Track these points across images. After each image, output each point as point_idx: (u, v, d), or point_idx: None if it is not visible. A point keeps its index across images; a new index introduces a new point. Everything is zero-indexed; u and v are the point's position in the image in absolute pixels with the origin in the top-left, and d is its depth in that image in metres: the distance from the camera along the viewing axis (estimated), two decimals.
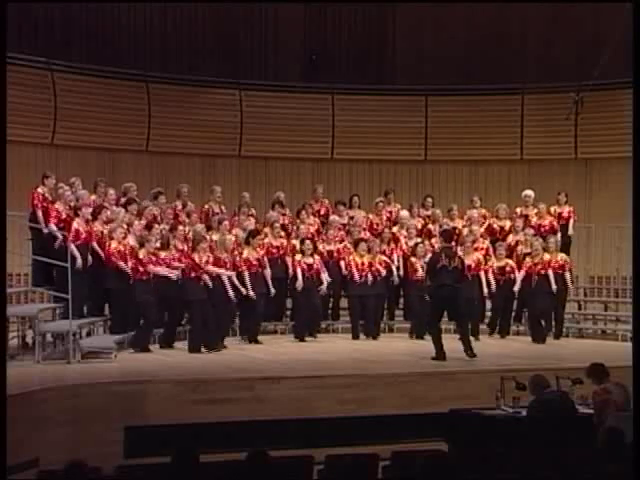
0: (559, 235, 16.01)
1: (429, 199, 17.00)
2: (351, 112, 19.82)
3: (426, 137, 19.97)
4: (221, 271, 13.56)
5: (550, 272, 14.98)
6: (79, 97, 18.01)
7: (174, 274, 13.30)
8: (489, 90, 19.64)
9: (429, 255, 14.60)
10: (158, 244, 13.47)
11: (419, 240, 15.63)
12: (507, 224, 16.23)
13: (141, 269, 13.07)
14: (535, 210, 16.35)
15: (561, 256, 15.24)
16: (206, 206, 15.74)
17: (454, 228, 15.66)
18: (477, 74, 19.53)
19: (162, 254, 13.36)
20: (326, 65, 20.18)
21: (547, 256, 15.05)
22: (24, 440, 9.07)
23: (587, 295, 17.72)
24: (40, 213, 13.46)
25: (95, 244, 13.37)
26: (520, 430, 9.02)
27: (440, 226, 15.93)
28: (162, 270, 13.23)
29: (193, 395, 10.54)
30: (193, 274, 13.27)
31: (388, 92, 20.05)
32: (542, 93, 19.33)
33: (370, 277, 15.08)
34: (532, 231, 15.76)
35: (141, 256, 13.11)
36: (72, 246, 12.77)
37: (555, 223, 16.22)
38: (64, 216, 13.46)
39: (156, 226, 13.83)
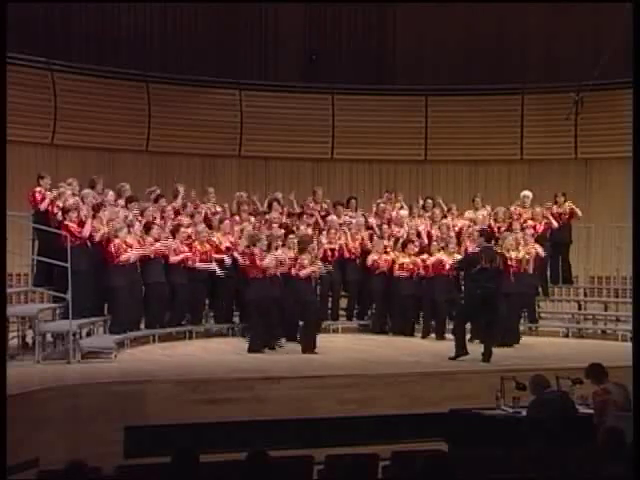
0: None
1: (429, 200, 16.99)
2: (351, 112, 19.83)
3: (426, 137, 19.98)
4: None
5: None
6: (79, 97, 18.03)
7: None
8: (489, 90, 19.65)
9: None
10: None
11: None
12: (504, 226, 16.15)
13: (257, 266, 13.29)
14: (530, 211, 16.30)
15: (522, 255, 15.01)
16: (204, 207, 15.72)
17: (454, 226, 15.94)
18: (477, 74, 19.54)
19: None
20: (326, 65, 20.19)
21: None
22: (24, 440, 9.06)
23: (587, 295, 17.68)
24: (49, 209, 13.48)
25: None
26: (520, 430, 9.01)
27: (439, 227, 16.02)
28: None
29: (193, 395, 10.54)
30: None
31: (388, 92, 20.06)
32: (542, 93, 19.34)
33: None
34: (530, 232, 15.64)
35: (257, 251, 13.36)
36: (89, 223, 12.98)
37: (547, 222, 16.17)
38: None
39: (263, 229, 14.42)
